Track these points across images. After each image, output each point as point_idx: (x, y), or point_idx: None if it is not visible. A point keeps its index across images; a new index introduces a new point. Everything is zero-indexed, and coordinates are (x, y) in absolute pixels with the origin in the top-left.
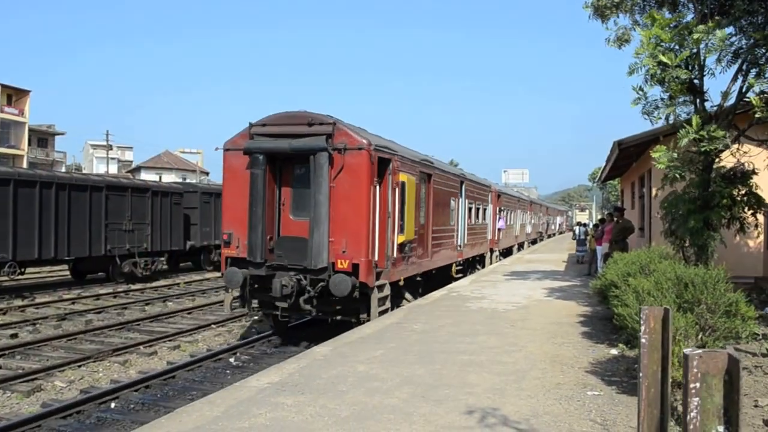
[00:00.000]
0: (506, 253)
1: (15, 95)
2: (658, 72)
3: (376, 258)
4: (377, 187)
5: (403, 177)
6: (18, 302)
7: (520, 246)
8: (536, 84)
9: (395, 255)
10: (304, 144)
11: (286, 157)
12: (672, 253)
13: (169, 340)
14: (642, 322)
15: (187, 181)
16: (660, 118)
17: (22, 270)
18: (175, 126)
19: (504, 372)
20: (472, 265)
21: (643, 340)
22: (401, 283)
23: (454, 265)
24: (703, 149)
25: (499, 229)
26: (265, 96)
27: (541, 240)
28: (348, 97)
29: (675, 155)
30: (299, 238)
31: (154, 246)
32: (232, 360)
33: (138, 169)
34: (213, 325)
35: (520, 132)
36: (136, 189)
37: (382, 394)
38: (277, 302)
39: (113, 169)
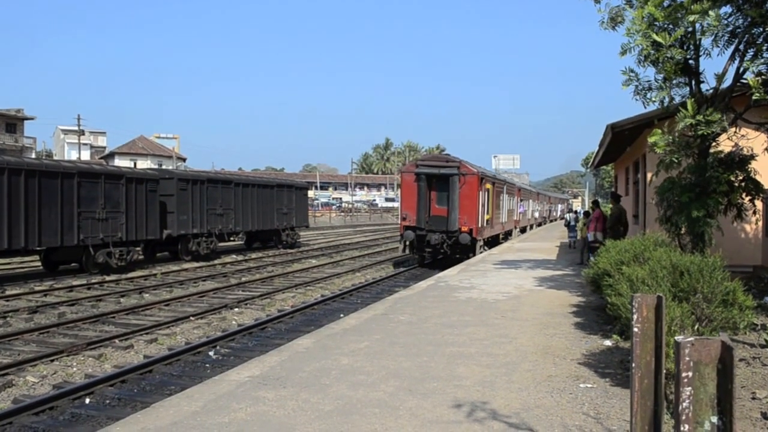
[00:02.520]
0: (523, 230)
1: None
2: (652, 52)
3: (479, 226)
4: (479, 191)
5: (487, 185)
6: None
7: (531, 227)
8: (527, 67)
9: (484, 225)
10: (446, 171)
11: (434, 177)
12: (667, 240)
13: (146, 333)
14: (634, 310)
15: (164, 167)
16: (654, 100)
17: None
18: (149, 110)
19: (494, 364)
20: (506, 236)
21: (635, 330)
22: (486, 240)
23: (501, 234)
24: (700, 133)
25: (520, 213)
26: (248, 84)
27: (545, 223)
28: (328, 85)
29: (671, 139)
30: (441, 216)
31: (129, 235)
32: (211, 353)
33: (111, 155)
34: (192, 318)
35: (511, 116)
36: (110, 176)
37: (366, 388)
38: (426, 248)
39: (86, 155)
